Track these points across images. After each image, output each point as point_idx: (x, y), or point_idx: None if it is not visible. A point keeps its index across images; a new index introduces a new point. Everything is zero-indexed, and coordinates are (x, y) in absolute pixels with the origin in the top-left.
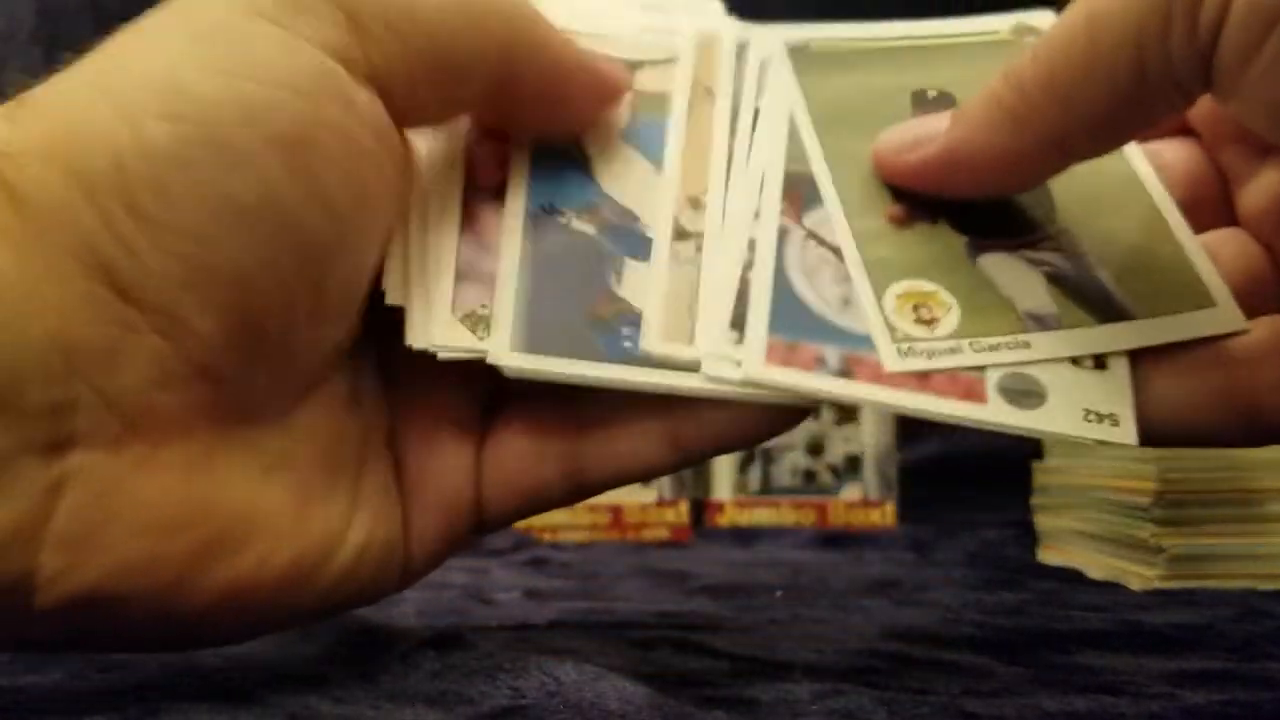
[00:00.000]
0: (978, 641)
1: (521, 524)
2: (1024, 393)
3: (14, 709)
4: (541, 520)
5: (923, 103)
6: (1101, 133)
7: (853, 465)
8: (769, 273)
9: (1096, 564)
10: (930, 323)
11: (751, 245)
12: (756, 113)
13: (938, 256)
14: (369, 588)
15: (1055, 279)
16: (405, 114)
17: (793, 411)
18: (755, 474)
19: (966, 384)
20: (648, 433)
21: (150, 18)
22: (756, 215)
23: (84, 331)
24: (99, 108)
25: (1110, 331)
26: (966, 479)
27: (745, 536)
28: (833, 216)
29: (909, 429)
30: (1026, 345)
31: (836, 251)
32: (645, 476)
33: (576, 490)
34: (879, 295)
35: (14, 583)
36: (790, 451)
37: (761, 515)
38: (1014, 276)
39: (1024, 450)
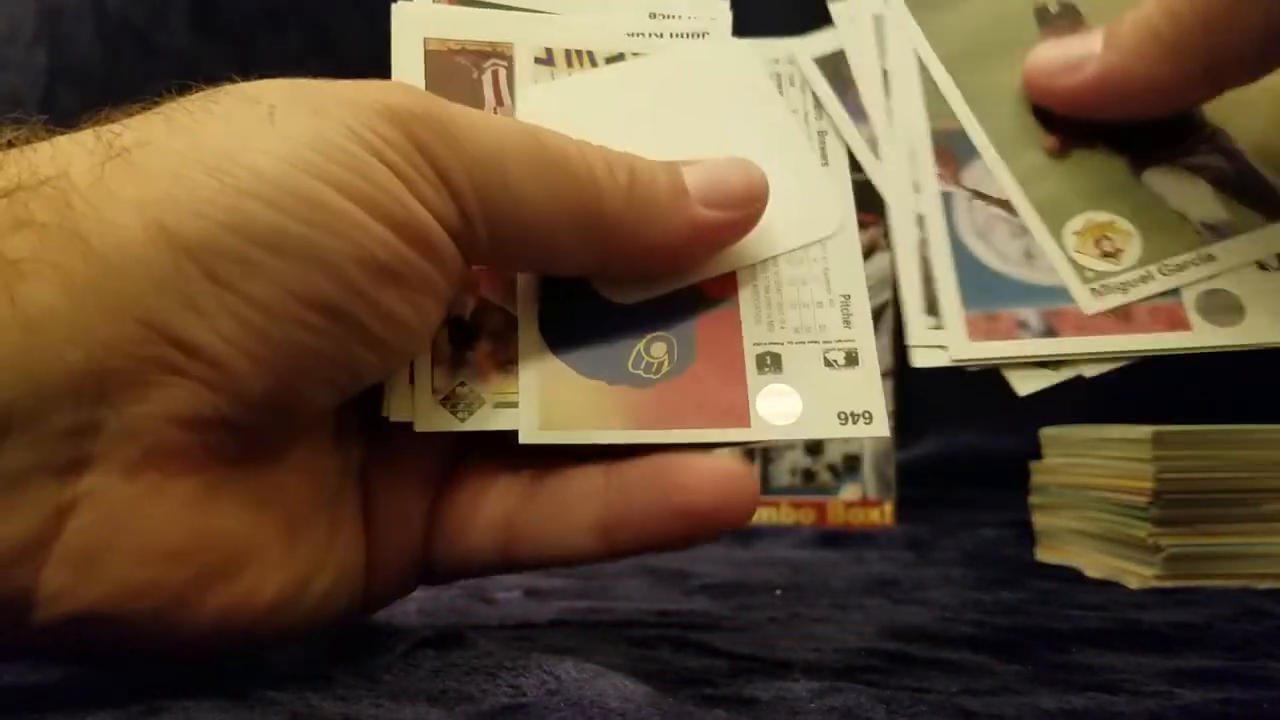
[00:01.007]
0: (976, 640)
1: None
2: (1223, 308)
3: (16, 707)
4: None
5: (1048, 19)
6: (1256, 63)
7: (851, 465)
8: (946, 246)
9: (1094, 563)
10: (1114, 255)
11: (920, 221)
12: (885, 74)
13: (1104, 182)
14: (338, 615)
15: (1219, 183)
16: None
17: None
18: (755, 474)
19: (1168, 313)
20: (579, 523)
21: (268, 100)
22: (916, 188)
23: (122, 363)
24: (200, 178)
25: None
26: (964, 479)
27: (744, 536)
28: (990, 164)
29: (907, 429)
30: (1211, 258)
31: (1005, 204)
32: (576, 563)
33: (507, 564)
34: (1058, 236)
35: (15, 597)
36: (789, 451)
37: (761, 515)
38: (1181, 189)
39: (1022, 450)
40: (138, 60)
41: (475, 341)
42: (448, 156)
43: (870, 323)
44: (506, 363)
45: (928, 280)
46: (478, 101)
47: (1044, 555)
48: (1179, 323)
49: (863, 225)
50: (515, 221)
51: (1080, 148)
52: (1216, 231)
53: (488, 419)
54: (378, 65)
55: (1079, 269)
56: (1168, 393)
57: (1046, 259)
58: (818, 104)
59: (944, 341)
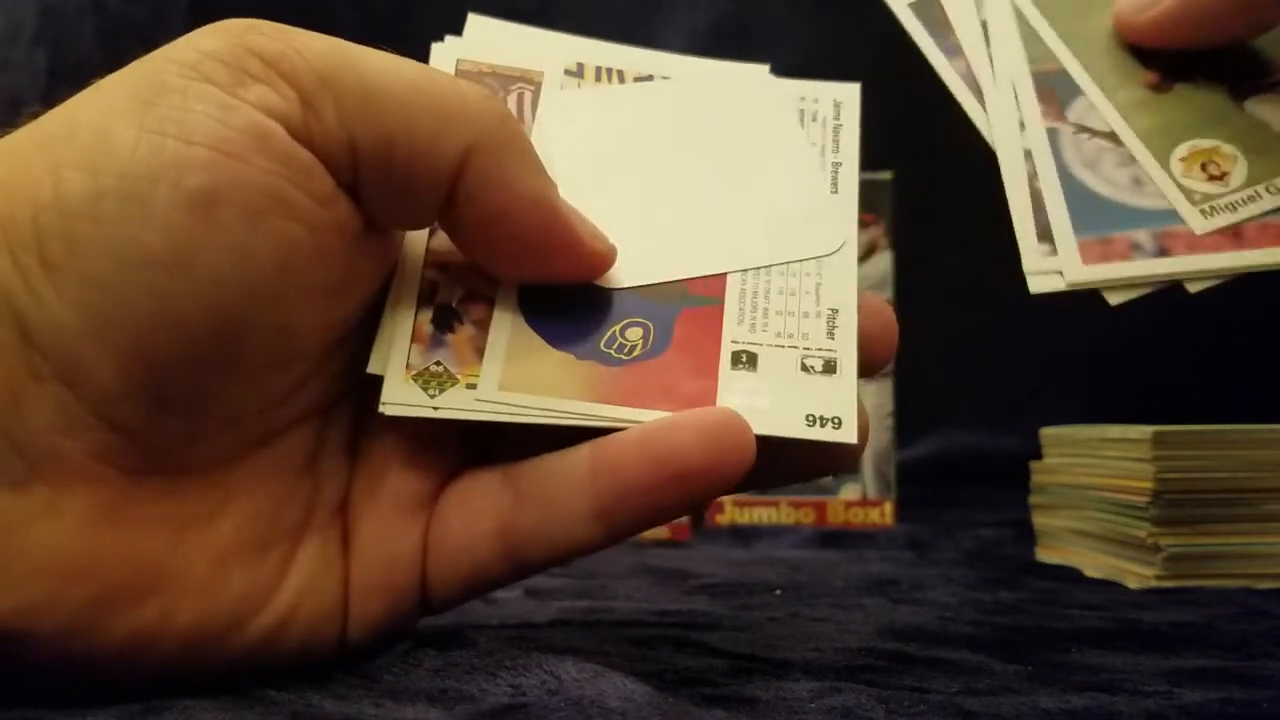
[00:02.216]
0: (976, 640)
1: None
2: None
3: (16, 706)
4: None
5: None
6: None
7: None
8: (1054, 175)
9: (1094, 563)
10: (1221, 178)
11: (1028, 155)
12: (984, 25)
13: (1206, 111)
14: (299, 651)
15: None
16: (358, 197)
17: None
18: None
19: (1278, 230)
20: (575, 512)
21: (110, 76)
22: (1021, 126)
23: None
24: (32, 159)
25: None
26: (964, 478)
27: (744, 535)
28: (1094, 99)
29: (907, 429)
30: None
31: (1110, 136)
32: (582, 554)
33: (517, 571)
34: (1165, 164)
35: None
36: None
37: (761, 514)
38: None
39: (1022, 450)
40: None
41: (458, 326)
42: (282, 49)
43: (855, 340)
44: (484, 348)
45: (1039, 210)
46: None
47: (1044, 555)
48: None
49: (862, 224)
50: (366, 100)
51: (1181, 81)
52: None
53: (458, 399)
54: None
55: (1187, 192)
56: (1168, 393)
57: (1155, 185)
58: (835, 139)
59: (1059, 267)
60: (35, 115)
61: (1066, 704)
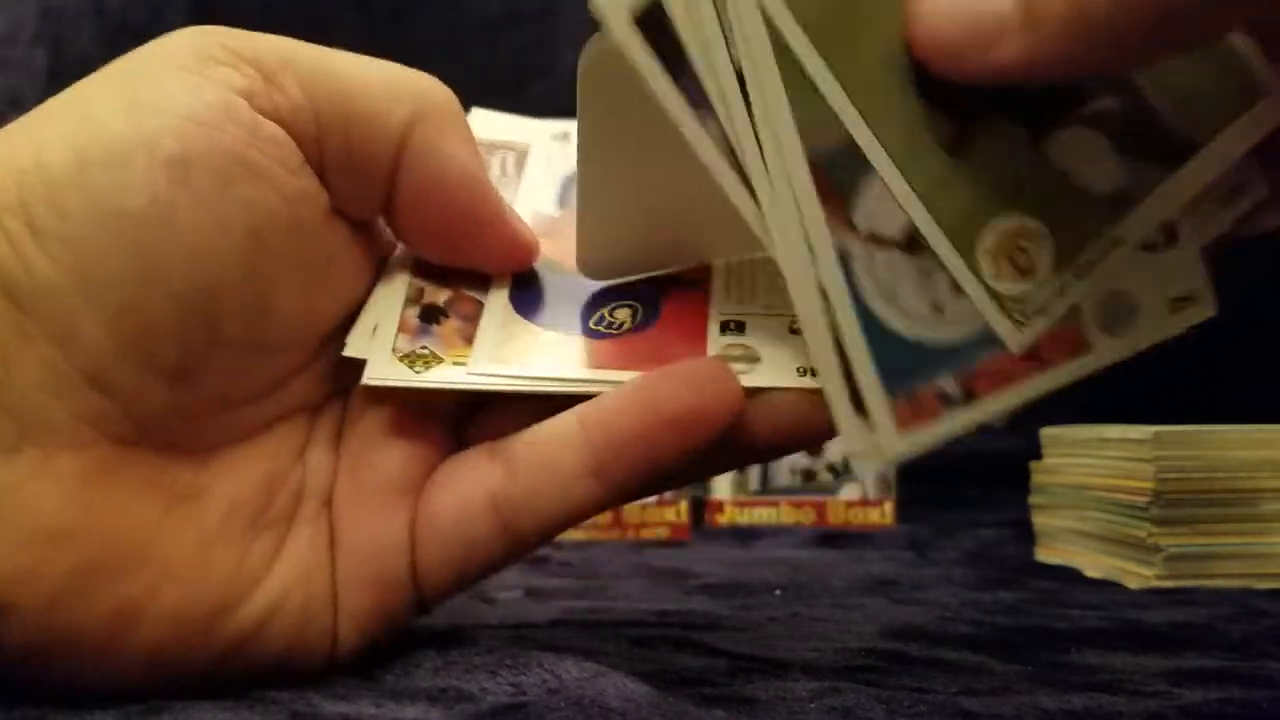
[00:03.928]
0: (976, 640)
1: None
2: (1116, 312)
3: (16, 706)
4: None
5: None
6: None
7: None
8: (855, 322)
9: (1094, 563)
10: (1029, 271)
11: (823, 293)
12: (740, 76)
13: (1008, 169)
14: (290, 652)
15: (1117, 134)
16: (323, 176)
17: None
18: (754, 473)
19: (1069, 338)
20: (570, 472)
21: (93, 74)
22: (811, 251)
23: None
24: (17, 137)
25: (1184, 178)
26: (965, 479)
27: (744, 535)
28: (888, 179)
29: None
30: (1120, 242)
31: (904, 243)
32: (581, 518)
33: (514, 545)
34: (972, 263)
35: None
36: None
37: (761, 514)
38: (1083, 154)
39: (1022, 450)
40: None
41: (444, 320)
42: (244, 42)
43: None
44: (471, 337)
45: (847, 371)
46: None
47: (1044, 555)
48: (1080, 346)
49: None
50: (324, 74)
51: (980, 129)
52: (1117, 202)
53: (446, 374)
54: None
55: (999, 299)
56: (1168, 393)
57: (956, 307)
58: None
59: (876, 443)
60: None
61: (1066, 704)
